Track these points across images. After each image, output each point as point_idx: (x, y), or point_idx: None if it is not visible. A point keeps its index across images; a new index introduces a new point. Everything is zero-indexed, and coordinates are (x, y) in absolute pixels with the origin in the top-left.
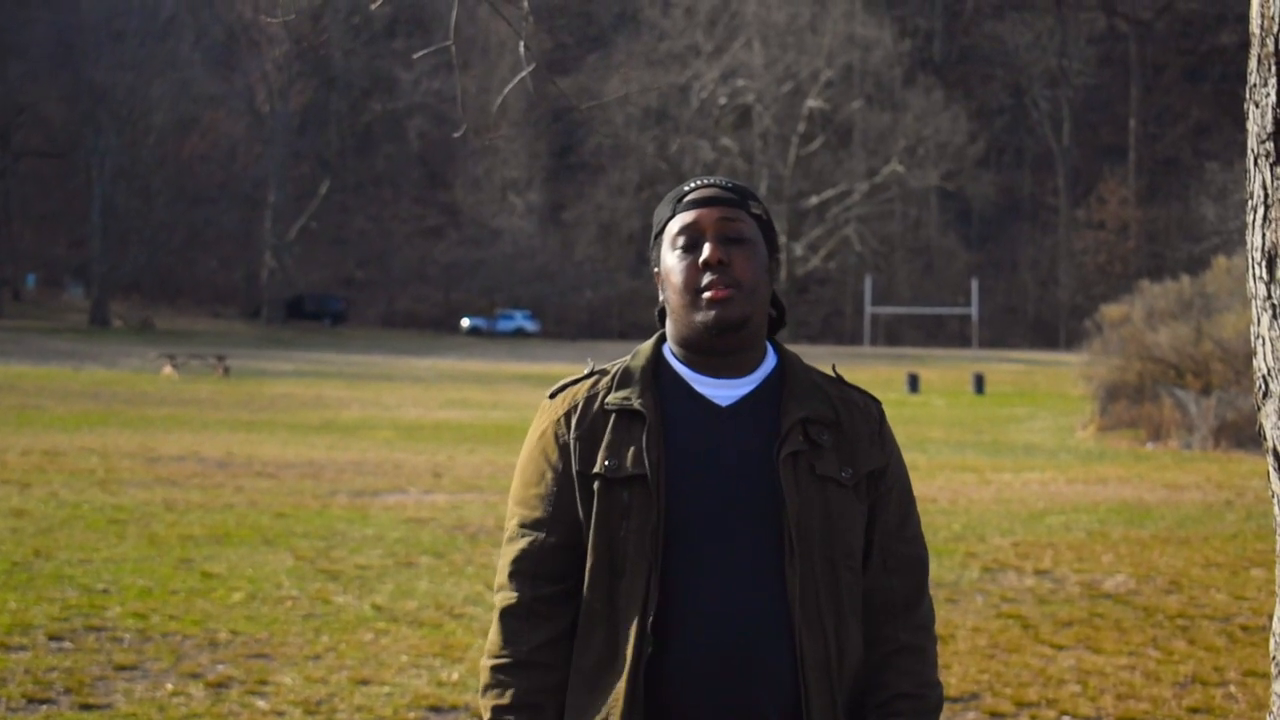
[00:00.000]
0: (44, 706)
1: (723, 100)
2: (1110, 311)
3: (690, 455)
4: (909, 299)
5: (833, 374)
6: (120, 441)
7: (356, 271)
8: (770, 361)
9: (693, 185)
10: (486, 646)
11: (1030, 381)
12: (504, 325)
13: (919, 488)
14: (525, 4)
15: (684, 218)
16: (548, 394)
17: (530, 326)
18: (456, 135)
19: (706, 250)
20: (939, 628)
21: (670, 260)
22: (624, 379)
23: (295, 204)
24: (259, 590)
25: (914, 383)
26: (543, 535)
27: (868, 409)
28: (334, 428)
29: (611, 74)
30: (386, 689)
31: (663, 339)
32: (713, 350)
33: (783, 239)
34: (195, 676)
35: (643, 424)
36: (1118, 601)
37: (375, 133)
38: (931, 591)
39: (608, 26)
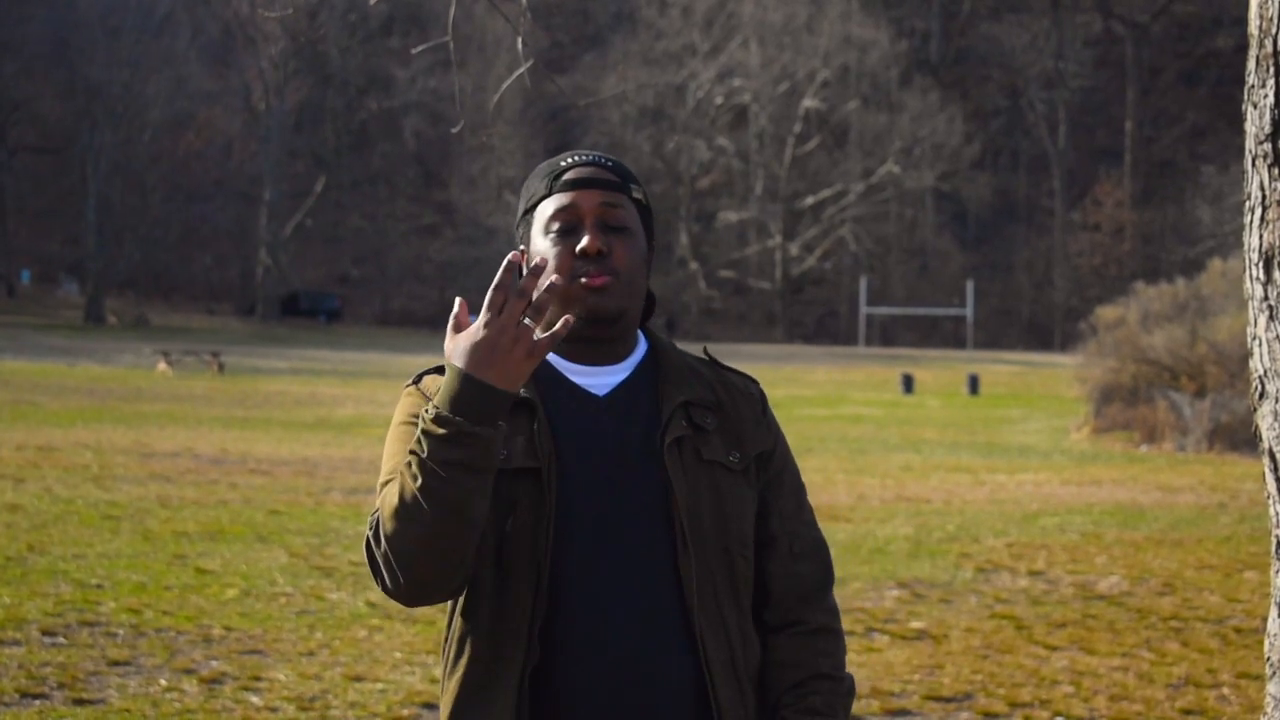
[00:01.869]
0: (37, 701)
1: (719, 100)
2: (1105, 313)
3: (573, 447)
4: (904, 300)
5: (705, 357)
6: (115, 437)
7: (352, 269)
8: (641, 347)
9: (570, 161)
10: (380, 513)
11: (1025, 383)
12: None
13: (914, 488)
14: (523, 1)
15: (560, 199)
16: (408, 382)
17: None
18: (454, 131)
19: (585, 239)
20: (933, 627)
21: (542, 245)
22: None
23: (291, 201)
24: (253, 586)
25: (908, 383)
26: None
27: (748, 390)
28: (328, 425)
29: (608, 73)
30: (380, 685)
31: None
32: (583, 339)
33: (777, 239)
34: (189, 672)
35: (531, 414)
36: (1111, 603)
37: (371, 130)
38: (925, 592)
39: (604, 25)
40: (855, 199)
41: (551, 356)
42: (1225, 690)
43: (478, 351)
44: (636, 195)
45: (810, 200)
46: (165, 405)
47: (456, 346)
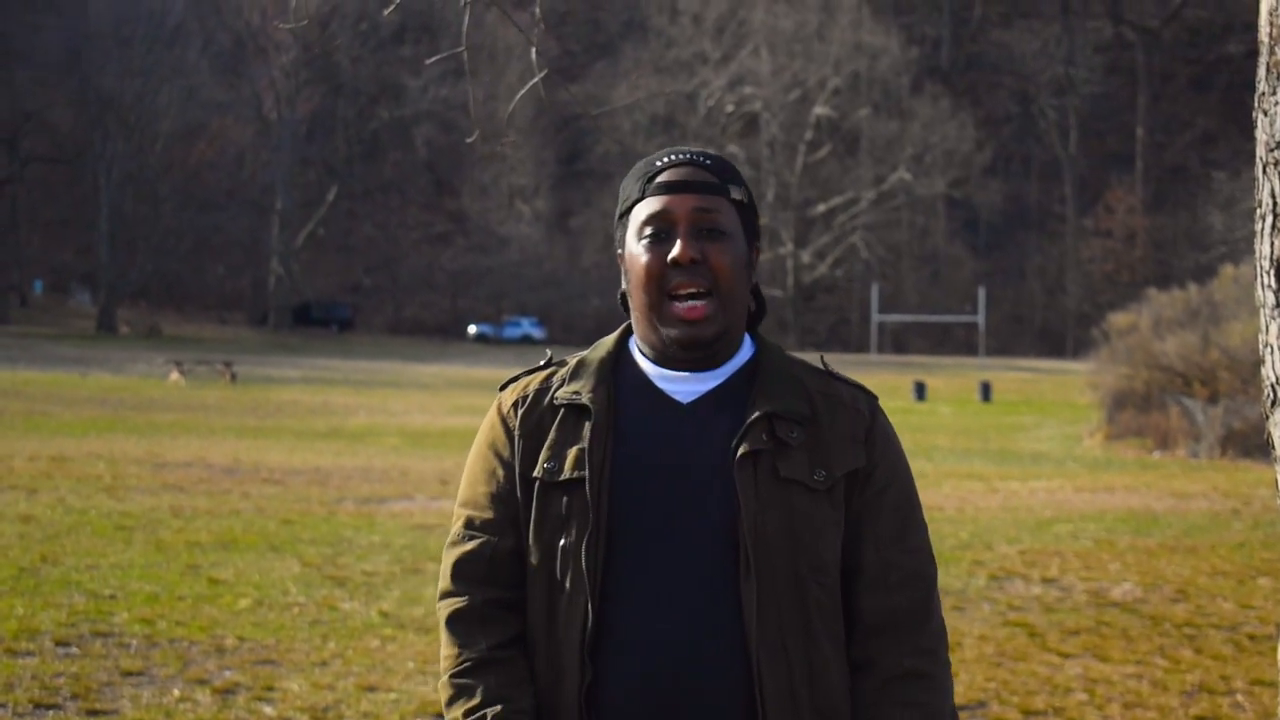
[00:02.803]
0: (51, 712)
1: (730, 108)
2: (1117, 320)
3: (641, 457)
4: (916, 307)
5: (822, 366)
6: (127, 448)
7: (364, 278)
8: (745, 353)
9: (665, 160)
10: (441, 659)
11: (1037, 390)
12: (511, 332)
13: (925, 496)
14: (536, 10)
15: (653, 203)
16: (500, 385)
17: (537, 333)
18: (470, 141)
19: (678, 248)
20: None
21: (635, 249)
22: (578, 371)
23: (303, 211)
24: (266, 597)
25: (920, 390)
26: (494, 539)
27: (855, 404)
28: (341, 434)
29: (619, 81)
30: (393, 695)
31: (630, 328)
32: (677, 358)
33: (789, 246)
34: (202, 683)
35: (588, 421)
36: (1125, 610)
37: (383, 140)
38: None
39: (615, 34)
40: (866, 206)
41: (643, 360)
42: (1239, 697)
43: None
44: (736, 196)
45: (821, 208)
46: (178, 415)
47: None
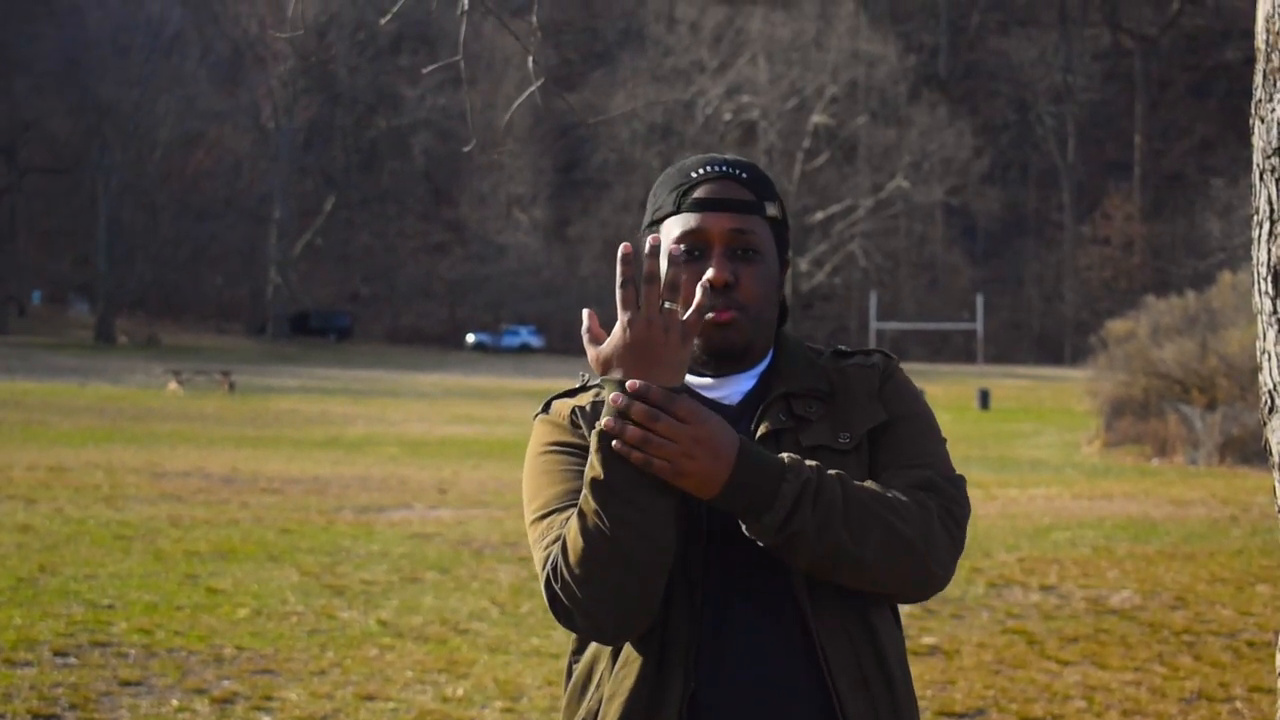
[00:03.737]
0: None
1: (728, 116)
2: (1115, 327)
3: None
4: (914, 314)
5: (839, 348)
6: (126, 457)
7: (362, 287)
8: (769, 355)
9: (701, 173)
10: (561, 559)
11: (1035, 397)
12: (509, 341)
13: None
14: (534, 19)
15: (688, 220)
16: (539, 408)
17: (535, 342)
18: (466, 150)
19: (711, 271)
20: (945, 643)
21: (668, 263)
22: None
23: (300, 220)
24: (264, 606)
25: None
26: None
27: (869, 367)
28: (339, 443)
29: (617, 90)
30: (391, 705)
31: None
32: (704, 369)
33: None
34: (200, 692)
35: None
36: (1123, 617)
37: (380, 149)
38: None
39: (613, 42)
40: (864, 214)
41: None
42: (1238, 704)
43: (633, 353)
44: (772, 213)
45: (819, 216)
46: (176, 425)
47: (604, 357)
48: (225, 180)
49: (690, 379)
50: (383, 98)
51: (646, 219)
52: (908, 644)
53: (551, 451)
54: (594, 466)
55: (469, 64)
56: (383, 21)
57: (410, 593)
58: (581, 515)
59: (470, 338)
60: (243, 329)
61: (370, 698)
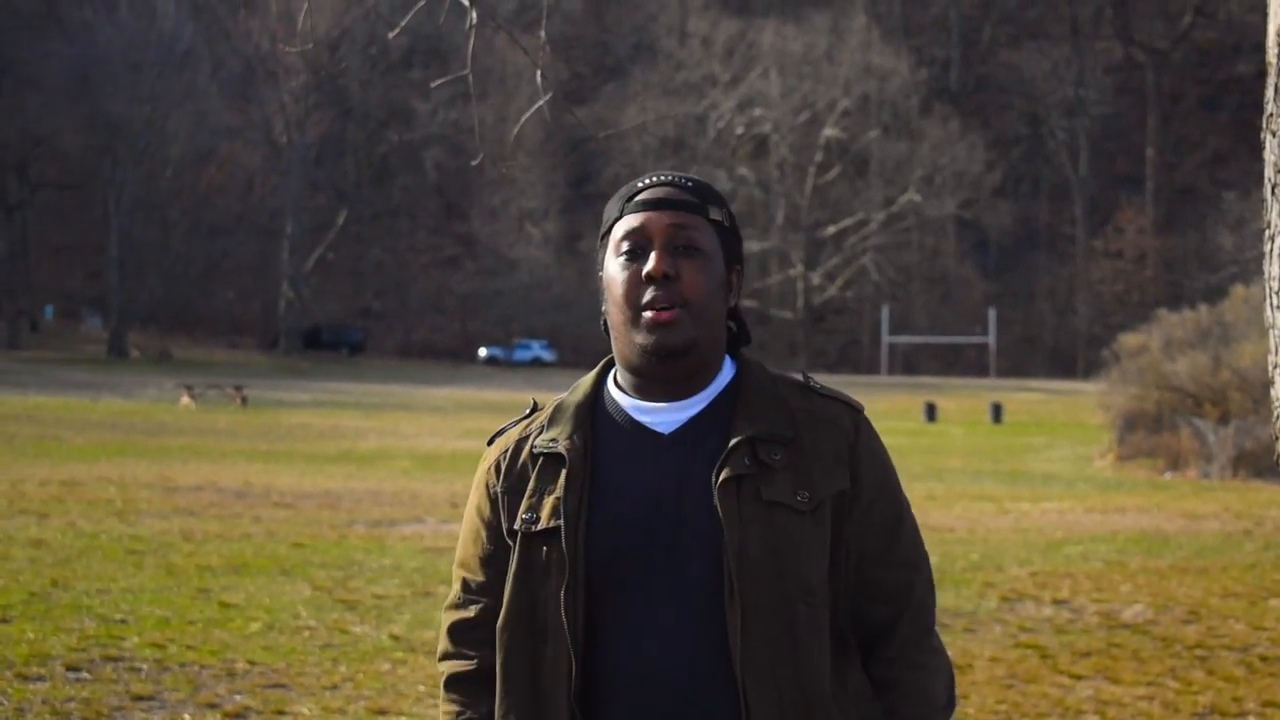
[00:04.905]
0: None
1: (739, 130)
2: (1128, 341)
3: (623, 496)
4: (926, 328)
5: (803, 380)
6: (138, 472)
7: (374, 302)
8: (725, 376)
9: (646, 182)
10: (441, 716)
11: (1048, 411)
12: (521, 355)
13: (938, 517)
14: (542, 34)
15: (631, 220)
16: (488, 440)
17: (547, 356)
18: (474, 164)
19: (651, 261)
20: (958, 657)
21: (612, 268)
22: (555, 417)
23: (312, 235)
24: (276, 620)
25: (931, 412)
26: (489, 601)
27: (837, 420)
28: (351, 458)
29: (628, 104)
30: (404, 719)
31: (610, 364)
32: (654, 377)
33: (799, 268)
34: (213, 707)
35: (563, 469)
36: (1136, 631)
37: (392, 163)
38: (949, 621)
39: (624, 56)
40: (877, 228)
41: (620, 395)
42: (1251, 719)
43: None
44: (716, 216)
45: (831, 229)
46: (188, 439)
47: None
48: (237, 195)
49: (627, 402)
50: (394, 112)
51: (600, 234)
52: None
53: (474, 508)
54: None
55: (479, 78)
56: (391, 35)
57: (423, 607)
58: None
59: (482, 352)
60: (255, 343)
61: (383, 712)
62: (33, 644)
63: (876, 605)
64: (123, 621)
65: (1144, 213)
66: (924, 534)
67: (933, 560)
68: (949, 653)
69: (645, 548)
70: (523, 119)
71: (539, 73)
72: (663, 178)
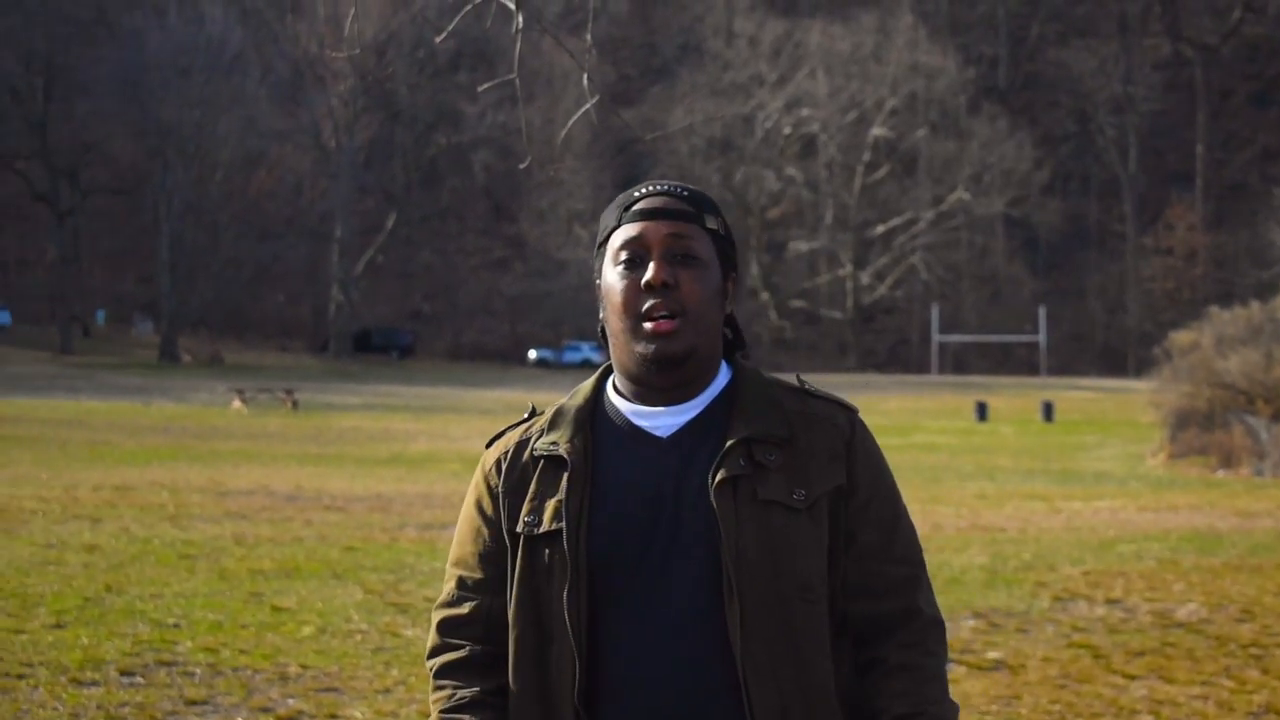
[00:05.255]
0: None
1: (787, 130)
2: (1179, 338)
3: (623, 499)
4: (976, 327)
5: (797, 384)
6: (190, 476)
7: (423, 304)
8: (721, 381)
9: (643, 191)
10: (431, 703)
11: (1099, 409)
12: (571, 357)
13: (989, 517)
14: (589, 37)
15: (629, 230)
16: (486, 443)
17: (597, 358)
18: (522, 167)
19: (650, 270)
20: (1010, 657)
21: (611, 276)
22: (555, 420)
23: (362, 238)
24: (329, 624)
25: (982, 411)
26: (486, 598)
27: (832, 420)
28: (402, 460)
29: (675, 105)
30: None
31: (609, 370)
32: (653, 384)
33: (848, 268)
34: (266, 710)
35: (565, 471)
36: (1190, 630)
37: (441, 166)
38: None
39: (671, 57)
40: (925, 227)
41: (619, 400)
42: None
43: None
44: (711, 225)
45: (880, 229)
46: (240, 443)
47: None
48: (287, 199)
49: (625, 406)
50: (442, 115)
51: (596, 243)
52: (974, 658)
53: (473, 506)
54: None
55: (526, 80)
56: (438, 40)
57: None
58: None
59: (532, 354)
60: (305, 347)
61: None
62: (87, 649)
63: (883, 599)
64: (176, 626)
65: (1194, 209)
66: (975, 534)
67: (984, 560)
68: (1002, 654)
69: (645, 548)
70: (569, 123)
71: (585, 76)
72: (659, 187)
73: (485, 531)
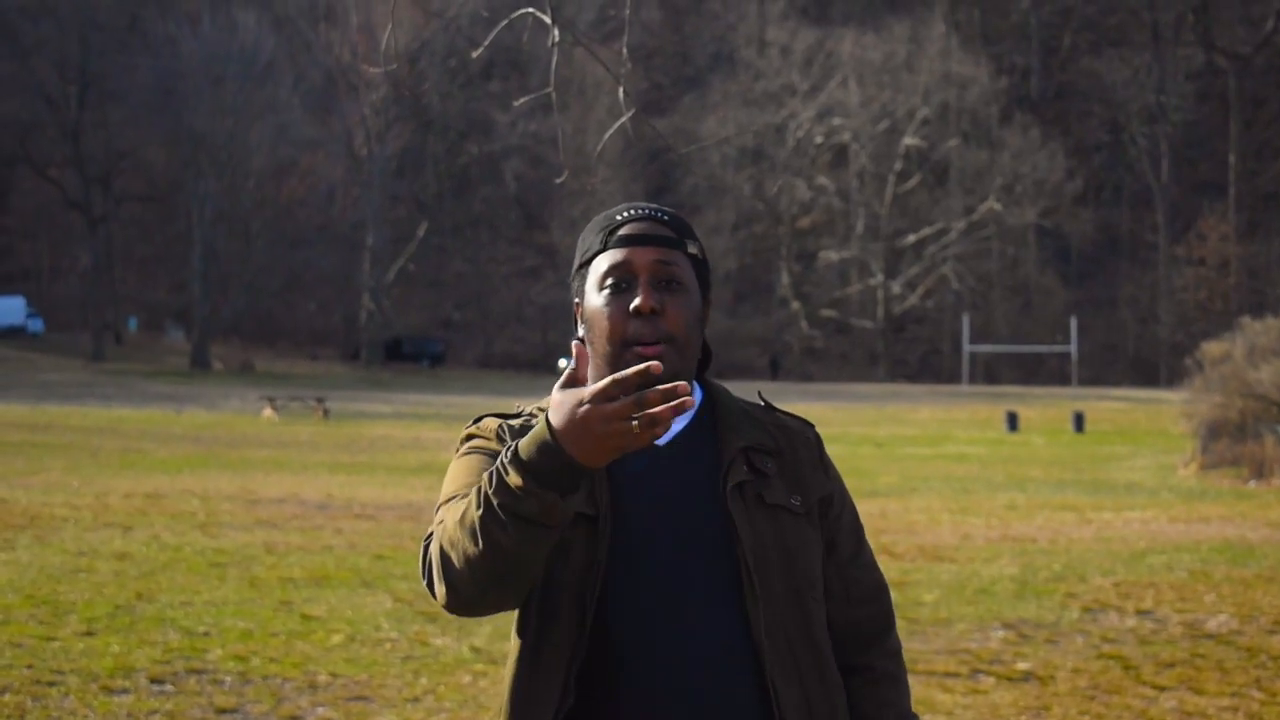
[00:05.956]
0: None
1: (819, 139)
2: (1211, 349)
3: (633, 494)
4: (1007, 337)
5: (761, 402)
6: (221, 484)
7: (454, 313)
8: (697, 395)
9: (626, 215)
10: (438, 531)
11: (1130, 420)
12: None
13: (1019, 527)
14: (624, 50)
15: (615, 255)
16: (471, 421)
17: None
18: (559, 181)
19: (639, 298)
20: (1040, 668)
21: (596, 301)
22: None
23: (393, 246)
24: (358, 632)
25: (1013, 421)
26: None
27: (805, 435)
28: (432, 469)
29: (708, 114)
30: None
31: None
32: None
33: (879, 277)
34: (295, 718)
35: None
36: (1220, 642)
37: (472, 175)
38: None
39: (704, 67)
40: (957, 236)
41: None
42: None
43: (572, 424)
44: (692, 251)
45: (911, 238)
46: (271, 451)
47: (558, 403)
48: (318, 207)
49: None
50: (474, 124)
51: (576, 263)
52: (1003, 668)
53: (476, 452)
54: (514, 477)
55: (559, 90)
56: (475, 54)
57: (503, 619)
58: (469, 504)
59: (562, 362)
60: (336, 355)
61: None
62: (117, 657)
63: (861, 605)
64: (206, 634)
65: (1226, 219)
66: (1006, 544)
67: (1014, 571)
68: (1032, 664)
69: (660, 545)
70: (606, 136)
71: (621, 89)
72: (641, 211)
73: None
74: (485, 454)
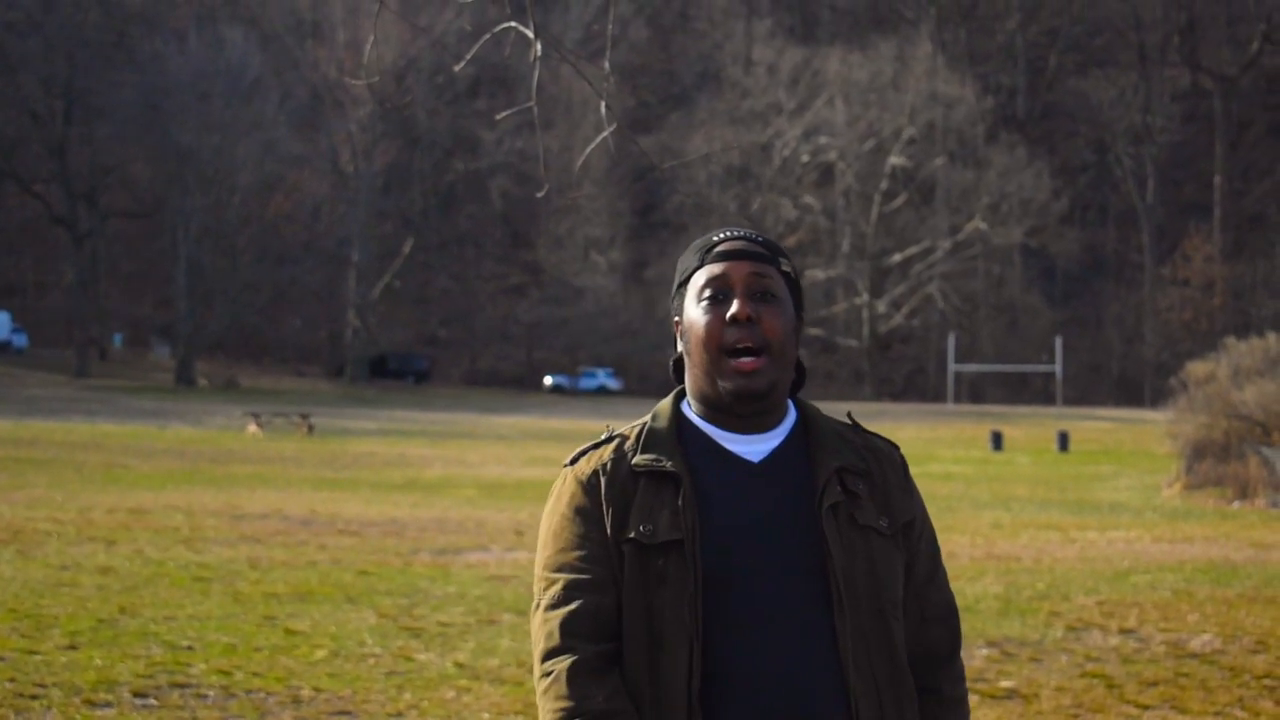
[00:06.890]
0: None
1: (805, 158)
2: (1196, 369)
3: (727, 514)
4: (992, 356)
5: (849, 422)
6: (205, 499)
7: (439, 330)
8: (792, 414)
9: (722, 235)
10: (551, 714)
11: (1115, 439)
12: (587, 383)
13: (1004, 546)
14: (607, 65)
15: (712, 269)
16: (566, 460)
17: (613, 384)
18: (540, 196)
19: (735, 305)
20: (1024, 687)
21: (694, 313)
22: (650, 440)
23: (379, 263)
24: (342, 648)
25: (998, 440)
26: (598, 597)
27: (892, 456)
28: (417, 486)
29: (693, 132)
30: None
31: (681, 395)
32: (733, 413)
33: (865, 296)
34: None
35: (676, 486)
36: (1204, 661)
37: (458, 192)
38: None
39: (690, 85)
40: (942, 256)
41: (706, 425)
42: None
43: None
44: (785, 268)
45: (897, 257)
46: (255, 467)
47: None
48: (304, 224)
49: (714, 431)
50: (460, 141)
51: (675, 283)
52: (987, 686)
53: (572, 511)
54: None
55: (544, 107)
56: (457, 67)
57: (487, 635)
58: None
59: (548, 380)
60: (321, 371)
61: None
62: (100, 671)
63: (935, 625)
64: (189, 648)
65: (1212, 240)
66: (990, 563)
67: (998, 589)
68: (1016, 683)
69: (752, 563)
70: (587, 151)
71: (603, 104)
72: (737, 232)
73: (591, 535)
74: (582, 518)
